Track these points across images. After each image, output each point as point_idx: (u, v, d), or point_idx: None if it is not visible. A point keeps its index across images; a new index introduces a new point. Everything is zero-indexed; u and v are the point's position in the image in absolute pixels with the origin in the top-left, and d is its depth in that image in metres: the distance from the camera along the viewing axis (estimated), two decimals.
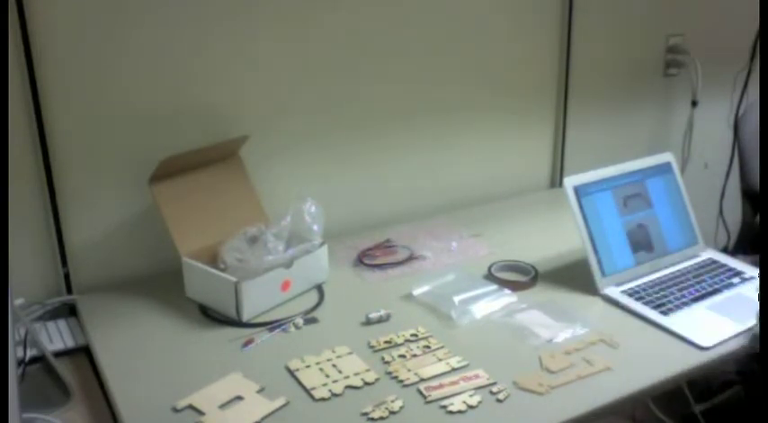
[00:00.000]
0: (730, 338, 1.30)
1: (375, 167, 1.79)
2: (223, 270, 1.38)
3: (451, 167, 1.90)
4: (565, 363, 1.23)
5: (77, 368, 1.30)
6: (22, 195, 1.41)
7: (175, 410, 1.12)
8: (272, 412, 1.11)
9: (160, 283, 1.48)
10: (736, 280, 1.50)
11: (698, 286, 1.47)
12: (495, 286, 1.46)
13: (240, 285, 1.34)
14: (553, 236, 1.72)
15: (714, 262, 1.57)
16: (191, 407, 1.12)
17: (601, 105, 2.11)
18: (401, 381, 1.18)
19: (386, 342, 1.29)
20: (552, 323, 1.35)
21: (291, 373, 1.21)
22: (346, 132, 1.72)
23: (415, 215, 1.85)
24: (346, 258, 1.62)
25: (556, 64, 1.98)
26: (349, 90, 1.69)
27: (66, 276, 1.48)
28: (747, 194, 2.16)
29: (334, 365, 1.22)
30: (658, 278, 1.50)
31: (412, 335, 1.31)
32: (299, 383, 1.18)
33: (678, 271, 1.53)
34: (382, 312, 1.36)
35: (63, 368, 1.28)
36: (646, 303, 1.40)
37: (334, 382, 1.18)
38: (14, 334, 1.04)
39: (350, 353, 1.26)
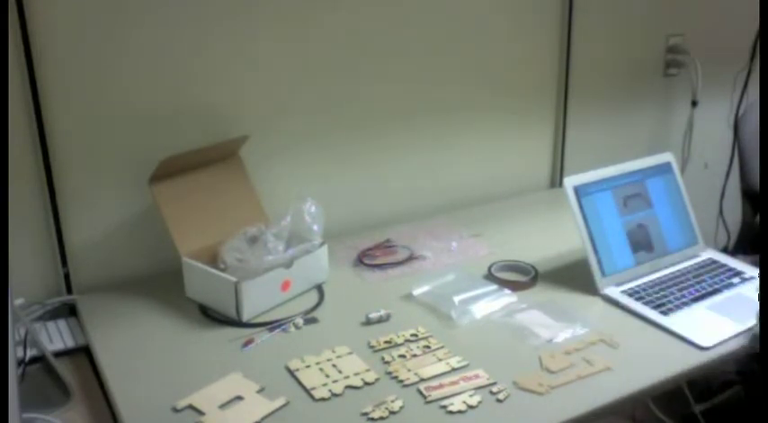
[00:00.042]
0: (730, 338, 1.30)
1: (375, 167, 1.79)
2: (223, 270, 1.38)
3: (451, 167, 1.90)
4: (565, 363, 1.23)
5: (77, 368, 1.30)
6: (22, 195, 1.41)
7: (175, 410, 1.12)
8: (272, 412, 1.11)
9: (160, 283, 1.48)
10: (736, 280, 1.50)
11: (698, 286, 1.47)
12: (495, 286, 1.46)
13: (240, 285, 1.34)
14: (553, 236, 1.72)
15: (714, 262, 1.57)
16: (191, 407, 1.12)
17: (601, 105, 2.11)
18: (401, 381, 1.18)
19: (386, 342, 1.29)
20: (552, 323, 1.35)
21: (291, 373, 1.21)
22: (346, 132, 1.72)
23: (415, 215, 1.85)
24: (346, 258, 1.62)
25: (556, 64, 1.98)
26: (349, 90, 1.70)
27: (67, 276, 1.48)
28: (747, 194, 2.16)
29: (334, 365, 1.22)
30: (658, 278, 1.50)
31: (412, 335, 1.31)
32: (299, 383, 1.18)
33: (678, 271, 1.53)
34: (382, 312, 1.36)
35: (63, 368, 1.28)
36: (646, 303, 1.40)
37: (334, 382, 1.18)
38: (14, 334, 1.04)
39: (350, 353, 1.26)
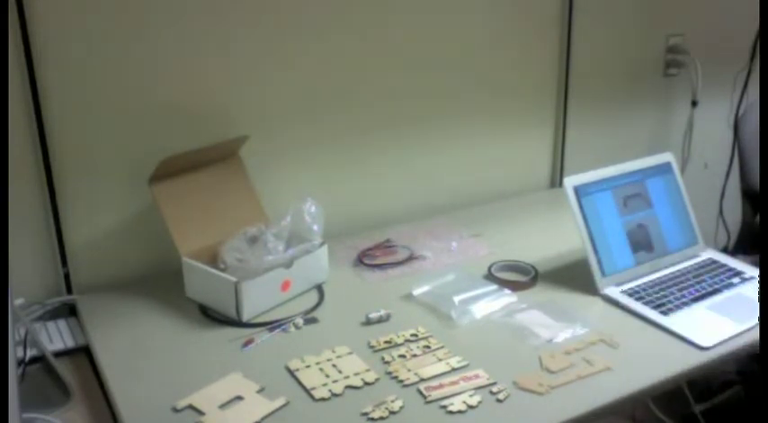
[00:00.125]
0: (730, 338, 1.30)
1: (375, 168, 1.79)
2: (223, 270, 1.38)
3: (451, 167, 1.90)
4: (565, 363, 1.23)
5: (77, 368, 1.30)
6: (22, 195, 1.41)
7: (175, 410, 1.12)
8: (272, 412, 1.11)
9: (160, 283, 1.48)
10: (736, 280, 1.50)
11: (698, 286, 1.47)
12: (495, 286, 1.46)
13: (240, 285, 1.34)
14: (553, 236, 1.72)
15: (714, 262, 1.57)
16: (191, 407, 1.12)
17: (601, 105, 2.11)
18: (401, 381, 1.18)
19: (386, 342, 1.29)
20: (552, 323, 1.35)
21: (291, 373, 1.21)
22: (346, 132, 1.72)
23: (415, 215, 1.85)
24: (346, 258, 1.62)
25: (556, 64, 1.98)
26: (349, 90, 1.69)
27: (67, 276, 1.48)
28: (747, 194, 2.16)
29: (334, 365, 1.22)
30: (658, 278, 1.50)
31: (412, 335, 1.31)
32: (299, 383, 1.18)
33: (678, 271, 1.53)
34: (382, 312, 1.36)
35: (63, 368, 1.28)
36: (646, 303, 1.40)
37: (335, 382, 1.18)
38: (14, 334, 1.04)
39: (350, 353, 1.26)
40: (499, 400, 1.14)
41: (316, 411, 1.12)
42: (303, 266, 1.45)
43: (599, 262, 1.46)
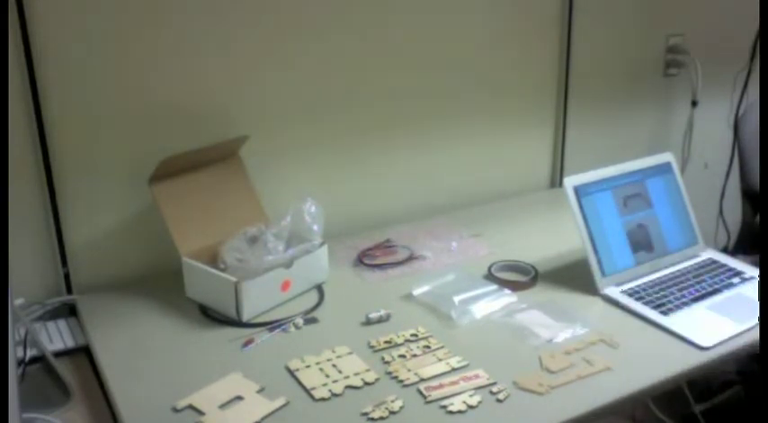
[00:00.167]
0: (730, 338, 1.30)
1: (375, 168, 1.79)
2: (223, 270, 1.38)
3: (451, 167, 1.90)
4: (565, 363, 1.23)
5: (77, 368, 1.30)
6: (22, 195, 1.41)
7: (175, 410, 1.12)
8: (272, 412, 1.11)
9: (160, 283, 1.48)
10: (736, 280, 1.50)
11: (698, 286, 1.47)
12: (495, 286, 1.46)
13: (240, 285, 1.34)
14: (553, 236, 1.72)
15: (714, 262, 1.57)
16: (191, 407, 1.12)
17: (601, 105, 2.11)
18: (401, 381, 1.18)
19: (386, 342, 1.29)
20: (552, 323, 1.35)
21: (291, 373, 1.21)
22: (346, 132, 1.72)
23: (415, 215, 1.85)
24: (346, 258, 1.62)
25: (556, 64, 1.98)
26: (349, 90, 1.69)
27: (67, 276, 1.48)
28: (747, 194, 2.16)
29: (334, 365, 1.22)
30: (658, 278, 1.50)
31: (412, 335, 1.31)
32: (299, 383, 1.18)
33: (678, 271, 1.53)
34: (382, 312, 1.36)
35: (63, 368, 1.28)
36: (646, 303, 1.40)
37: (335, 382, 1.18)
38: (14, 334, 1.04)
39: (350, 353, 1.26)
40: (499, 400, 1.14)
41: (316, 411, 1.12)
42: (303, 266, 1.45)
43: (599, 262, 1.46)
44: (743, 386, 2.05)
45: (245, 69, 1.56)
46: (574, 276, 1.50)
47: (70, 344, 1.35)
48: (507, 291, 1.45)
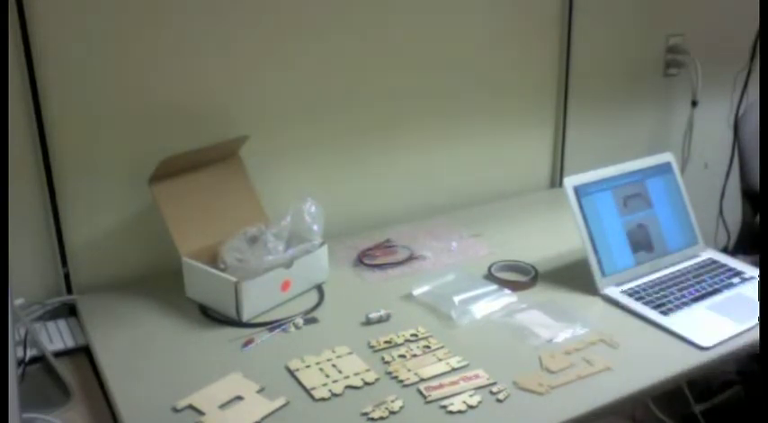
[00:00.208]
0: (730, 338, 1.30)
1: (375, 168, 1.79)
2: (223, 270, 1.38)
3: (451, 167, 1.90)
4: (565, 363, 1.23)
5: (77, 368, 1.30)
6: (22, 195, 1.41)
7: (175, 410, 1.12)
8: (272, 412, 1.11)
9: (160, 283, 1.48)
10: (736, 280, 1.50)
11: (698, 286, 1.47)
12: (495, 286, 1.46)
13: (240, 285, 1.34)
14: (553, 236, 1.72)
15: (714, 262, 1.57)
16: (191, 407, 1.12)
17: (601, 105, 2.11)
18: (401, 381, 1.18)
19: (386, 342, 1.29)
20: (552, 323, 1.35)
21: (291, 373, 1.21)
22: (346, 132, 1.72)
23: (415, 215, 1.85)
24: (346, 258, 1.62)
25: (556, 64, 1.98)
26: (349, 90, 1.69)
27: (67, 276, 1.48)
28: (747, 194, 2.16)
29: (334, 365, 1.22)
30: (658, 278, 1.50)
31: (412, 335, 1.31)
32: (299, 383, 1.18)
33: (678, 271, 1.53)
34: (382, 312, 1.36)
35: (63, 368, 1.28)
36: (646, 303, 1.40)
37: (335, 382, 1.18)
38: (14, 334, 1.04)
39: (350, 353, 1.26)
40: (499, 400, 1.14)
41: (316, 411, 1.12)
42: (303, 266, 1.45)
43: (599, 262, 1.46)
44: (743, 386, 2.05)
45: (245, 69, 1.56)
46: (574, 276, 1.50)
47: (70, 344, 1.35)
48: (507, 291, 1.45)
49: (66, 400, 1.22)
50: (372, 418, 1.10)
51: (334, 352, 1.26)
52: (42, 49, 1.35)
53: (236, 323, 1.36)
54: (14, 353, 0.92)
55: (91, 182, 1.46)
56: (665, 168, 1.60)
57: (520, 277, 1.53)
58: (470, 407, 1.12)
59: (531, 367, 1.22)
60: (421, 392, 1.15)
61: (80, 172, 1.45)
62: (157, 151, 1.41)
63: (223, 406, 1.12)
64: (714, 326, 1.33)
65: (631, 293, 1.43)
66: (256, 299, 1.37)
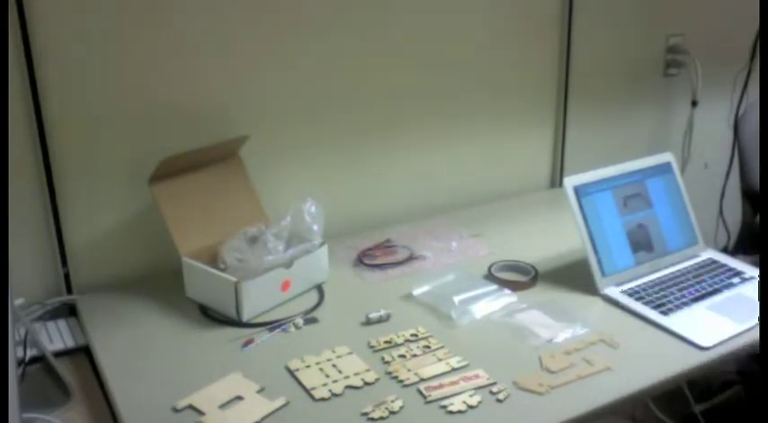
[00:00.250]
0: (730, 338, 1.30)
1: (375, 168, 1.79)
2: (223, 270, 1.38)
3: (451, 167, 1.90)
4: (565, 363, 1.23)
5: (77, 368, 1.30)
6: (22, 195, 1.41)
7: (175, 410, 1.12)
8: (272, 412, 1.11)
9: (160, 283, 1.48)
10: (736, 280, 1.50)
11: (698, 286, 1.47)
12: (495, 286, 1.46)
13: (240, 285, 1.34)
14: (553, 236, 1.72)
15: (714, 262, 1.57)
16: (191, 407, 1.12)
17: (601, 105, 2.11)
18: (401, 381, 1.18)
19: (386, 342, 1.29)
20: (552, 323, 1.35)
21: (291, 373, 1.21)
22: (346, 132, 1.72)
23: (415, 215, 1.85)
24: (346, 258, 1.62)
25: (556, 64, 1.98)
26: (349, 90, 1.69)
27: (67, 276, 1.48)
28: (747, 194, 2.16)
29: (334, 365, 1.22)
30: (658, 278, 1.50)
31: (412, 335, 1.31)
32: (299, 383, 1.18)
33: (678, 271, 1.53)
34: (382, 312, 1.36)
35: (63, 368, 1.28)
36: (646, 303, 1.40)
37: (335, 382, 1.18)
38: (14, 334, 1.04)
39: (350, 353, 1.26)
40: (499, 400, 1.14)
41: (316, 411, 1.12)
42: (303, 266, 1.45)
43: (599, 262, 1.46)
44: (743, 386, 2.05)
45: (245, 69, 1.56)
46: (574, 276, 1.50)
47: (70, 344, 1.35)
48: (507, 291, 1.45)
49: (66, 400, 1.22)
50: (372, 418, 1.10)
51: (334, 352, 1.26)
52: (42, 49, 1.35)
53: (236, 323, 1.36)
54: (14, 353, 0.92)
55: (91, 182, 1.46)
56: (665, 168, 1.60)
57: (520, 277, 1.53)
58: (470, 407, 1.12)
59: (531, 367, 1.22)
60: (421, 392, 1.15)
61: (80, 172, 1.45)
62: (157, 151, 1.41)
63: (223, 406, 1.12)
64: (714, 326, 1.33)
65: (631, 293, 1.43)
66: (256, 299, 1.37)
